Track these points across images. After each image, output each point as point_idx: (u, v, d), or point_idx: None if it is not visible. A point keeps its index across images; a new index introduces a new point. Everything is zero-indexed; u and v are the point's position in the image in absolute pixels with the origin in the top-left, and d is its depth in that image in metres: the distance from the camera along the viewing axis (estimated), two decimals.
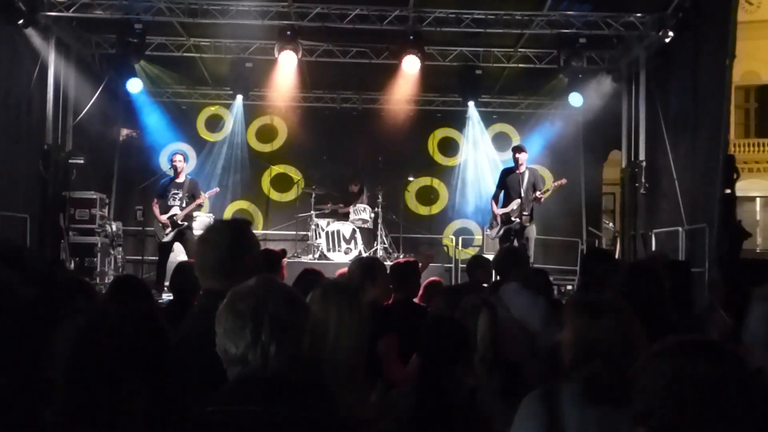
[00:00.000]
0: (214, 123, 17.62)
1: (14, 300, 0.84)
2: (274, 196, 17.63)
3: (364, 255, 13.95)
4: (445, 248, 17.23)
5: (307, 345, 2.26)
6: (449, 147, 17.89)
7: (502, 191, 12.19)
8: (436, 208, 17.79)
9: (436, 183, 17.82)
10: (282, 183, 17.59)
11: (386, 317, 5.59)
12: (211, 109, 17.62)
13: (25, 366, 0.82)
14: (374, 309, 5.83)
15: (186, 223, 12.21)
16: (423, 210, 17.75)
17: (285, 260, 7.18)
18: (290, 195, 17.41)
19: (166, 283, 11.04)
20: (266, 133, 17.87)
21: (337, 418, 2.15)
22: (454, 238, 16.95)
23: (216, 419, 2.01)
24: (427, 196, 17.81)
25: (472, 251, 16.74)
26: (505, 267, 6.43)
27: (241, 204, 17.46)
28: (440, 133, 17.89)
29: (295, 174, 17.10)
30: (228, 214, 17.05)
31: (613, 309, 2.83)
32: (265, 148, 17.79)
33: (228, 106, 17.25)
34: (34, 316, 0.85)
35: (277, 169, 17.39)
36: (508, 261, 6.52)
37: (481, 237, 16.65)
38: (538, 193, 11.71)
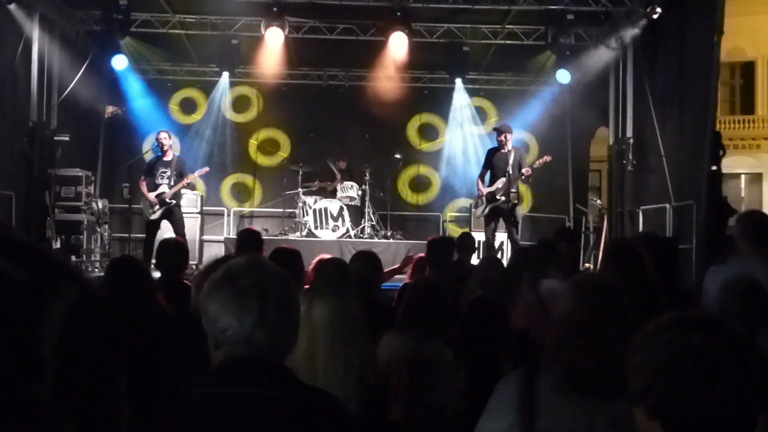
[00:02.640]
0: (188, 104, 17.57)
1: (6, 282, 0.84)
2: (263, 161, 17.70)
3: (351, 237, 14.00)
4: (449, 225, 17.28)
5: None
6: (432, 129, 17.94)
7: (488, 171, 12.18)
8: (427, 197, 17.84)
9: (424, 170, 17.90)
10: (269, 146, 17.75)
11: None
12: (180, 95, 17.64)
13: (17, 346, 0.83)
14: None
15: (174, 201, 12.16)
16: (414, 199, 17.83)
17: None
18: (278, 157, 17.52)
19: (153, 261, 11.02)
20: (252, 111, 17.82)
21: (331, 400, 2.13)
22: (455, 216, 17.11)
23: (207, 401, 2.00)
24: (417, 184, 17.90)
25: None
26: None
27: (237, 177, 17.55)
28: (423, 118, 17.96)
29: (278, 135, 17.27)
30: (225, 188, 17.47)
31: (608, 289, 2.71)
32: (251, 125, 17.75)
33: (212, 84, 17.18)
34: (26, 298, 0.85)
35: (263, 133, 17.52)
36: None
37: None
38: (524, 170, 11.69)
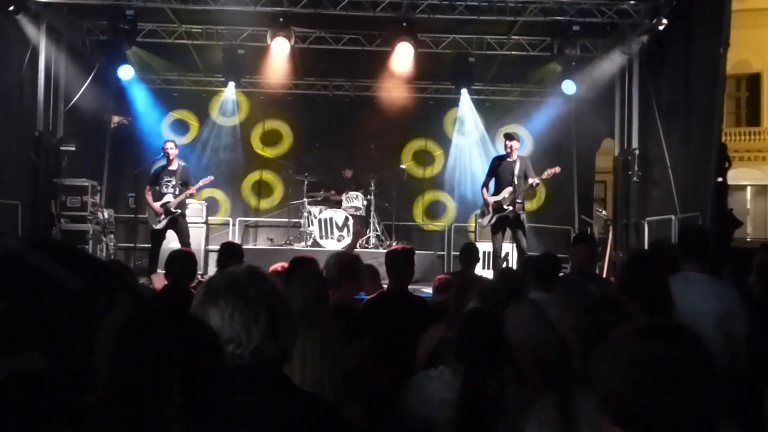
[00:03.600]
0: (180, 127, 17.66)
1: (61, 290, 0.87)
2: (267, 152, 17.84)
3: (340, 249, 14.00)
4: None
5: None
6: (429, 154, 18.04)
7: (492, 179, 12.15)
8: (446, 221, 17.86)
9: (432, 146, 17.97)
10: (272, 137, 17.93)
11: (383, 308, 5.54)
12: (173, 116, 17.70)
13: (71, 354, 0.86)
14: (368, 302, 5.83)
15: (179, 211, 12.17)
16: (419, 172, 17.82)
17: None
18: (282, 148, 17.75)
19: (162, 270, 11.05)
20: (257, 122, 17.85)
21: (329, 408, 2.14)
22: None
23: (223, 408, 2.01)
24: (434, 209, 17.97)
25: (436, 226, 16.97)
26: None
27: (213, 192, 17.37)
28: (417, 145, 18.01)
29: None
30: (246, 190, 17.69)
31: (618, 305, 2.82)
32: (257, 135, 17.78)
33: (216, 94, 17.22)
34: (81, 306, 0.88)
35: (267, 124, 17.69)
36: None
37: (453, 213, 17.10)
38: (530, 180, 11.66)
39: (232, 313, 2.05)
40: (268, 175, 17.62)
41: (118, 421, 0.92)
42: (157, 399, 0.99)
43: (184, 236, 12.21)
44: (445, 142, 17.84)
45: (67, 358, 0.89)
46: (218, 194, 17.32)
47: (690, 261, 4.93)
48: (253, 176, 17.69)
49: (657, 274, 4.07)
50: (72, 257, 0.98)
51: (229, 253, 6.99)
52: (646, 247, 11.64)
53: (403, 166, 16.15)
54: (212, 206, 16.67)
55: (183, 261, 6.04)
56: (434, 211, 17.89)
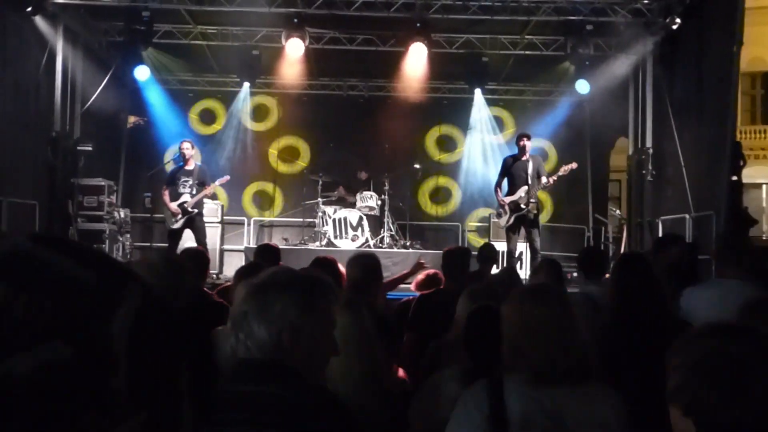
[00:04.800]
0: (208, 115, 17.70)
1: (76, 284, 0.92)
2: (283, 168, 17.82)
3: (371, 247, 14.00)
4: (469, 234, 17.34)
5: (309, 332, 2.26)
6: (451, 140, 17.98)
7: (505, 179, 12.17)
8: (447, 208, 17.90)
9: (443, 181, 17.95)
10: (289, 154, 17.85)
11: (440, 306, 5.51)
12: (199, 105, 17.76)
13: (92, 341, 0.92)
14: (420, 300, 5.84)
15: (196, 210, 12.25)
16: (436, 210, 17.88)
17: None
18: (299, 165, 17.63)
19: None
20: (272, 120, 17.93)
21: (331, 400, 2.18)
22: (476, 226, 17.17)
23: (227, 398, 2.07)
24: (438, 195, 17.95)
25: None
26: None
27: (257, 186, 17.66)
28: (443, 129, 18.00)
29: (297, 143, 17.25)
30: (247, 197, 17.59)
31: (551, 294, 2.94)
32: (271, 134, 17.86)
33: (233, 94, 17.31)
34: (96, 297, 0.93)
35: (283, 141, 17.59)
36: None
37: (457, 202, 17.30)
38: (544, 178, 11.68)
39: (258, 309, 2.13)
40: (278, 189, 17.74)
41: (144, 402, 0.99)
42: (172, 382, 1.05)
43: (200, 236, 12.28)
44: (450, 151, 17.88)
45: (89, 346, 0.95)
46: (269, 187, 17.78)
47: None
48: (266, 185, 17.81)
49: (647, 273, 4.11)
50: (79, 251, 1.04)
51: (265, 255, 6.83)
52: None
53: (417, 166, 16.19)
54: (263, 201, 17.30)
55: (195, 260, 5.99)
56: (440, 195, 17.99)
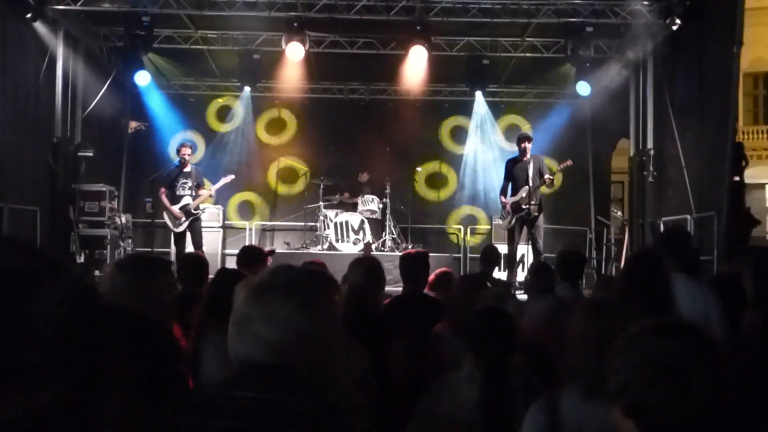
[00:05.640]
0: (225, 113, 17.67)
1: (4, 270, 1.04)
2: (282, 189, 17.68)
3: (372, 250, 13.95)
4: (453, 237, 17.32)
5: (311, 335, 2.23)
6: (458, 135, 17.89)
7: (509, 182, 12.20)
8: (444, 194, 17.83)
9: (445, 168, 17.88)
10: (289, 175, 17.60)
11: (401, 311, 5.58)
12: (220, 101, 17.67)
13: (10, 319, 1.03)
14: (386, 305, 5.88)
15: (199, 212, 12.33)
16: (432, 195, 17.77)
17: (270, 259, 7.19)
18: (297, 187, 17.47)
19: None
20: (274, 125, 17.96)
21: (334, 406, 2.16)
22: (462, 227, 17.06)
23: (210, 403, 2.05)
24: (436, 180, 17.87)
25: (477, 239, 16.90)
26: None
27: (246, 195, 17.51)
28: (451, 122, 17.90)
29: (301, 166, 17.05)
30: (233, 204, 17.31)
31: (616, 308, 2.89)
32: (273, 139, 17.89)
33: (236, 98, 17.31)
34: (18, 280, 1.04)
35: (285, 161, 17.38)
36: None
37: (488, 226, 16.72)
38: (545, 176, 11.72)
39: (265, 308, 2.10)
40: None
41: (59, 378, 1.06)
42: (93, 364, 1.12)
43: (197, 238, 12.36)
44: (459, 144, 17.85)
45: (9, 324, 1.03)
46: (252, 197, 17.55)
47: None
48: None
49: (659, 272, 4.09)
50: (17, 246, 1.12)
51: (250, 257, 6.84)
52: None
53: (418, 169, 16.17)
54: (245, 210, 17.10)
55: (194, 265, 5.99)
56: (435, 182, 17.90)
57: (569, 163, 12.13)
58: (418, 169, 16.16)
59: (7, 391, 1.01)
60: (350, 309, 4.65)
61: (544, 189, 12.52)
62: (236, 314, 2.14)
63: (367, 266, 5.53)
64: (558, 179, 14.50)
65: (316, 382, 2.14)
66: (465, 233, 16.97)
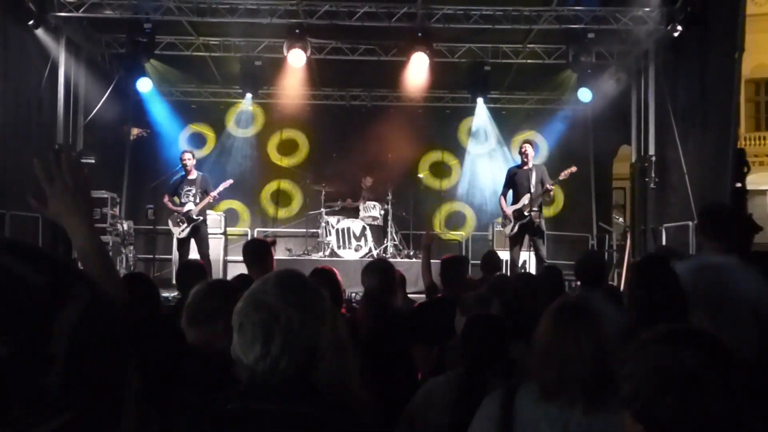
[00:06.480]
0: (198, 140, 17.74)
1: (24, 286, 0.99)
2: (285, 162, 17.83)
3: (374, 257, 13.93)
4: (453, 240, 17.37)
5: (325, 343, 2.20)
6: (459, 140, 17.97)
7: (510, 190, 12.19)
8: (447, 183, 17.87)
9: (449, 158, 18.00)
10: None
11: (439, 314, 5.51)
12: (192, 128, 17.82)
13: (30, 341, 0.98)
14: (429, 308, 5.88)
15: (201, 218, 12.30)
16: (435, 184, 17.80)
17: (274, 249, 7.16)
18: (292, 209, 17.64)
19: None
20: (274, 131, 17.94)
21: (354, 415, 2.15)
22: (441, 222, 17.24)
23: (236, 416, 2.04)
24: (442, 169, 17.97)
25: (455, 236, 16.90)
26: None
27: (232, 203, 17.41)
28: (459, 125, 17.98)
29: (296, 190, 17.17)
30: (265, 200, 17.70)
31: (579, 311, 2.89)
32: (274, 144, 17.86)
33: (234, 105, 17.37)
34: (41, 299, 0.99)
35: (284, 185, 17.49)
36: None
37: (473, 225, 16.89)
38: (547, 185, 11.71)
39: (239, 333, 2.09)
40: (285, 185, 17.62)
41: (75, 402, 1.02)
42: (113, 384, 1.08)
43: (203, 246, 12.32)
44: (460, 151, 17.87)
45: (26, 346, 0.98)
46: (237, 205, 17.39)
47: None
48: (271, 186, 17.72)
49: (668, 272, 4.06)
50: (35, 256, 1.07)
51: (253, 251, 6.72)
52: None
53: (420, 175, 16.18)
54: (232, 218, 16.76)
55: (193, 272, 5.95)
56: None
57: (574, 169, 12.10)
58: (420, 175, 16.15)
59: (22, 416, 0.98)
60: (370, 313, 4.69)
61: (545, 210, 12.53)
62: (249, 326, 2.11)
63: (381, 269, 5.61)
64: (558, 200, 14.49)
65: (333, 391, 2.13)
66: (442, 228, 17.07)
